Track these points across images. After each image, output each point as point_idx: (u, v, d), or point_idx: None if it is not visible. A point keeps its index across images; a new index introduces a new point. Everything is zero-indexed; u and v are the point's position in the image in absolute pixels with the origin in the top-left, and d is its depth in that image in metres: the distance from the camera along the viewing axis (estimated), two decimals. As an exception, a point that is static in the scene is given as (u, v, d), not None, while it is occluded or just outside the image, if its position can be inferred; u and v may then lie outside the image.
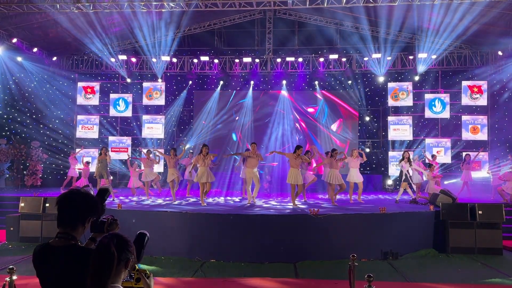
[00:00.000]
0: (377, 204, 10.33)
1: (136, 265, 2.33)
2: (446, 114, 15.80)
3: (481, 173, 13.92)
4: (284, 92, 17.43)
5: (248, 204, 10.30)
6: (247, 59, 16.23)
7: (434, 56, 15.36)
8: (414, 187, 11.97)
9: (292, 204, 9.92)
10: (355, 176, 11.17)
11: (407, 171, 11.30)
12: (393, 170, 15.91)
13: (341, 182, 10.69)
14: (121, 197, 12.10)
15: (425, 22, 13.96)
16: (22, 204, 9.45)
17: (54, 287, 2.11)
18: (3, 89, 15.14)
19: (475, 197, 12.43)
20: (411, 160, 11.61)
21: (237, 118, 17.66)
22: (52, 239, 2.17)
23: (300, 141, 17.06)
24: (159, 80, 16.75)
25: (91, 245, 2.32)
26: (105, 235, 1.96)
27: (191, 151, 14.61)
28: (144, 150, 13.17)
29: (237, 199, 11.99)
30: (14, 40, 13.75)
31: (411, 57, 15.84)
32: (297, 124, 17.56)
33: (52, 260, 2.09)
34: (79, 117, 16.94)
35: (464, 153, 14.18)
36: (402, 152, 12.14)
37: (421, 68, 15.57)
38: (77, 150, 15.15)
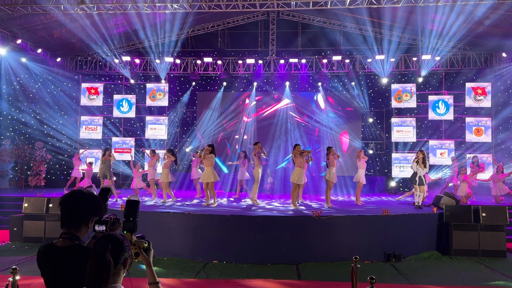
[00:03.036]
0: (380, 206, 10.31)
1: (133, 236, 2.31)
2: (449, 116, 15.75)
3: (484, 175, 13.86)
4: (287, 93, 17.43)
5: (254, 204, 10.37)
6: (250, 61, 16.25)
7: (437, 58, 15.33)
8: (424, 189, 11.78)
9: (291, 205, 9.92)
10: (363, 177, 11.15)
11: (423, 174, 10.35)
12: (397, 172, 15.87)
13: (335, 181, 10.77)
14: (124, 198, 12.12)
15: (428, 23, 13.94)
16: (26, 205, 9.49)
17: (59, 287, 2.12)
18: (8, 90, 15.21)
19: (478, 200, 12.41)
20: (426, 162, 10.54)
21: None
22: (56, 239, 2.19)
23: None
24: (163, 81, 16.79)
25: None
26: (99, 239, 1.94)
27: (197, 151, 14.56)
28: (147, 151, 13.17)
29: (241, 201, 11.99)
30: (19, 41, 13.82)
31: (414, 59, 15.81)
32: (300, 126, 17.54)
33: (56, 260, 2.10)
34: (83, 118, 16.99)
35: (471, 155, 14.13)
36: (417, 153, 10.47)
37: (424, 70, 15.53)
38: (81, 151, 15.20)
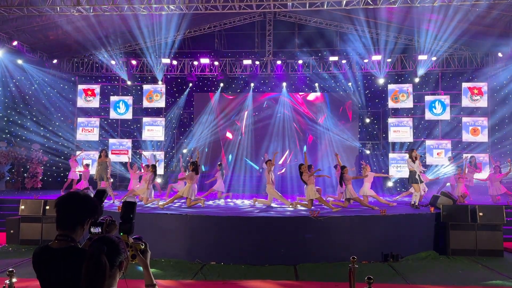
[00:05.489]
0: (377, 206, 10.30)
1: (130, 238, 2.30)
2: (446, 116, 15.78)
3: (481, 175, 13.89)
4: (284, 94, 17.43)
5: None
6: (247, 61, 16.24)
7: (434, 58, 15.37)
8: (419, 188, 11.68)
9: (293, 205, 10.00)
10: (368, 190, 11.10)
11: (419, 171, 10.27)
12: (394, 172, 15.89)
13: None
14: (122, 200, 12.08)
15: (424, 24, 13.97)
16: (22, 207, 9.45)
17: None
18: (4, 92, 15.17)
19: (475, 199, 12.44)
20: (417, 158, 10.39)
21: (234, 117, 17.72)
22: (52, 241, 2.17)
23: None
24: (160, 82, 16.76)
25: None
26: (94, 241, 1.93)
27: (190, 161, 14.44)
28: (146, 153, 13.07)
29: (239, 202, 11.97)
30: (15, 43, 13.78)
31: (411, 59, 15.84)
32: (297, 126, 17.53)
33: (51, 262, 2.09)
34: (80, 119, 16.93)
35: (468, 155, 14.15)
36: (410, 151, 10.35)
37: (421, 70, 15.57)
38: (78, 152, 15.16)
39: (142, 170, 12.94)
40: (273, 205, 10.73)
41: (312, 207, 9.62)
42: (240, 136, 17.60)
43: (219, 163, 14.06)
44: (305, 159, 10.46)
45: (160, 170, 15.62)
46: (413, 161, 10.10)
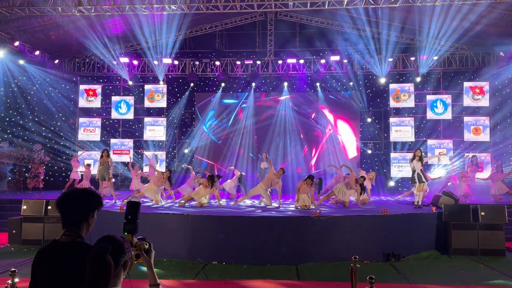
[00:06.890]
0: (378, 206, 10.31)
1: (134, 237, 2.30)
2: (448, 115, 15.76)
3: (483, 175, 13.88)
4: (285, 94, 17.41)
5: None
6: (248, 61, 16.24)
7: (435, 57, 15.36)
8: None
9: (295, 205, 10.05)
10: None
11: (420, 170, 10.14)
12: (395, 171, 15.89)
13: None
14: (124, 200, 12.07)
15: (426, 23, 13.96)
16: (24, 207, 9.46)
17: (58, 282, 2.08)
18: (5, 92, 15.20)
19: (477, 199, 12.42)
20: (423, 159, 10.35)
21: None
22: (59, 237, 2.17)
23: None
24: (161, 82, 16.77)
25: None
26: (99, 241, 1.92)
27: (199, 171, 14.35)
28: (147, 153, 13.05)
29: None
30: (16, 43, 13.80)
31: (412, 58, 15.84)
32: (298, 126, 17.51)
33: (57, 255, 2.07)
34: (81, 119, 16.95)
35: (470, 155, 14.13)
36: (414, 151, 10.38)
37: (422, 69, 15.55)
38: (79, 152, 15.19)
39: (143, 170, 12.93)
40: (274, 204, 10.73)
41: (312, 207, 9.64)
42: (241, 136, 17.58)
43: (240, 172, 14.00)
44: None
45: (161, 170, 15.59)
46: (411, 160, 10.12)
